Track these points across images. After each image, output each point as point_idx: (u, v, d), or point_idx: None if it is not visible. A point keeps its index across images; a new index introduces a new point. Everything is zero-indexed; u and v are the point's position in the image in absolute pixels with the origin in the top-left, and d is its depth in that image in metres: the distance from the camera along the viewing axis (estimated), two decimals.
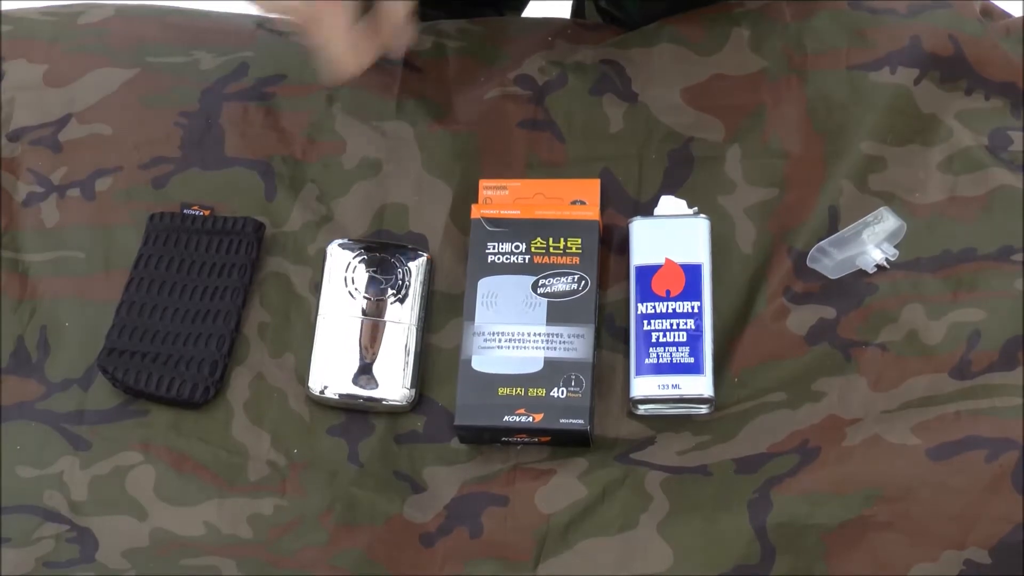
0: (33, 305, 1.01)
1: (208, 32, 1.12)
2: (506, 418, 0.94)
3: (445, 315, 1.00)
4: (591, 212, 1.00)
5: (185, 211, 1.02)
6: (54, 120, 1.07)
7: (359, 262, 0.99)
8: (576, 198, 1.01)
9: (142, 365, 0.97)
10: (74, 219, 1.04)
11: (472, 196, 1.03)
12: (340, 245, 1.01)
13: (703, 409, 0.95)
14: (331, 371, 0.97)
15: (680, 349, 0.95)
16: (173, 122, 1.07)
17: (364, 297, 0.98)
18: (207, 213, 1.02)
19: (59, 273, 1.02)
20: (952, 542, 0.88)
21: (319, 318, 0.99)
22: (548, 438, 0.95)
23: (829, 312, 0.97)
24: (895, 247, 0.98)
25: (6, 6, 1.15)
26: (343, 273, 0.99)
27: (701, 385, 0.94)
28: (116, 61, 1.09)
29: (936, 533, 0.89)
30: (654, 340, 0.95)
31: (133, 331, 0.99)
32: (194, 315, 0.99)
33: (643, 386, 0.95)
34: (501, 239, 0.99)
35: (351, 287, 0.99)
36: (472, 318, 0.97)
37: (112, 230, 1.04)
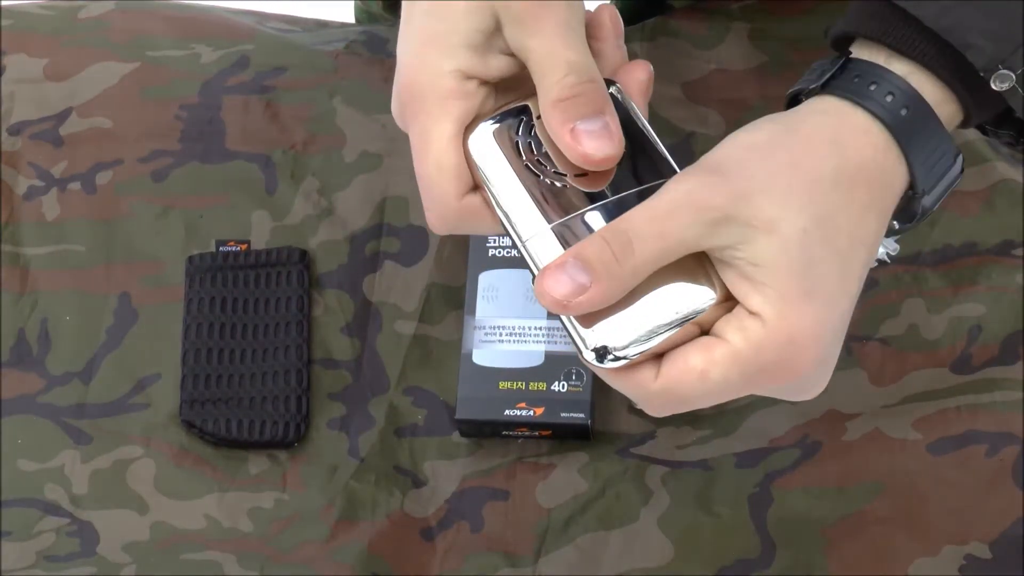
0: (34, 298, 1.01)
1: (208, 25, 1.12)
2: (507, 412, 0.94)
3: (445, 308, 1.00)
4: None
5: (221, 248, 1.02)
6: (55, 114, 1.07)
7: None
8: None
9: (227, 412, 0.97)
10: (75, 212, 1.04)
11: None
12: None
13: None
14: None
15: None
16: (173, 115, 1.07)
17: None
18: (244, 247, 1.02)
19: (60, 266, 1.02)
20: (953, 537, 0.89)
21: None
22: (549, 432, 0.95)
23: None
24: (896, 241, 0.98)
25: (6, 1, 1.15)
26: None
27: None
28: (116, 55, 1.09)
29: (937, 528, 0.89)
30: None
31: (207, 379, 0.98)
32: (263, 353, 0.99)
33: None
34: (502, 232, 0.99)
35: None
36: (473, 312, 0.97)
37: (112, 223, 1.04)
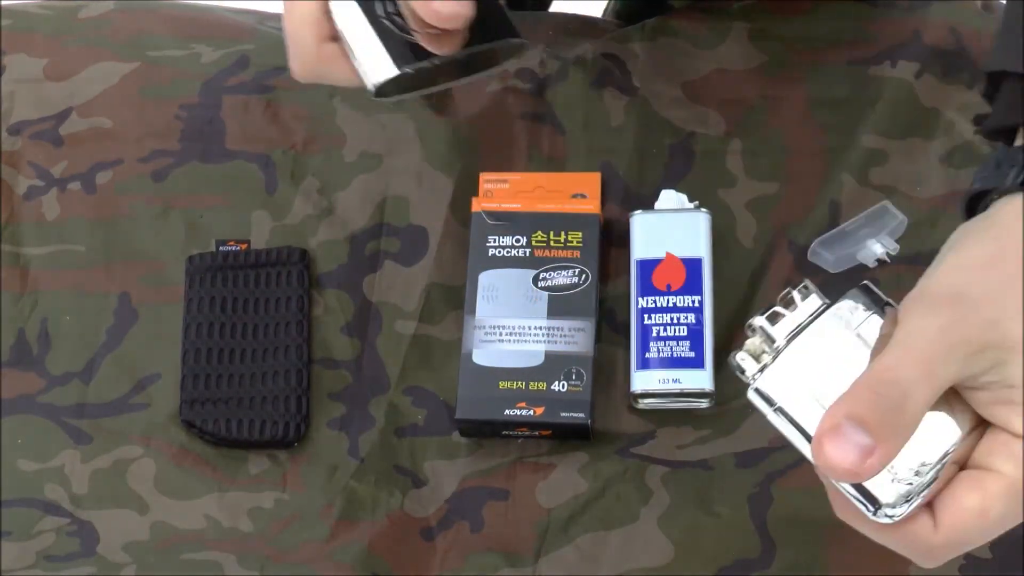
0: (34, 298, 1.01)
1: (208, 25, 1.12)
2: (507, 412, 0.94)
3: (445, 307, 1.00)
4: (592, 205, 1.00)
5: (221, 248, 1.02)
6: (55, 114, 1.07)
7: None
8: (577, 191, 1.01)
9: (227, 412, 0.97)
10: (75, 212, 1.04)
11: (472, 188, 1.03)
12: None
13: (704, 403, 0.95)
14: None
15: (681, 343, 0.95)
16: (173, 115, 1.07)
17: None
18: (244, 247, 1.02)
19: (60, 266, 1.02)
20: None
21: None
22: (549, 432, 0.95)
23: None
24: (896, 241, 0.98)
25: (6, 1, 1.15)
26: None
27: (702, 379, 0.94)
28: (116, 54, 1.09)
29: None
30: (655, 334, 0.95)
31: (207, 378, 0.98)
32: (263, 352, 0.98)
33: (644, 380, 0.95)
34: (502, 232, 0.99)
35: None
36: (473, 312, 0.97)
37: (112, 223, 1.04)
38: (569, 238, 0.98)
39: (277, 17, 1.14)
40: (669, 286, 0.96)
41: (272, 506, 0.95)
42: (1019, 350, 0.58)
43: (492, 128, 1.05)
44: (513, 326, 0.96)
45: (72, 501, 0.95)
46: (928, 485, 0.59)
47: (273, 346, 0.99)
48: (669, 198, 1.00)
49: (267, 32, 1.11)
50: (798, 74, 1.05)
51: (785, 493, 0.91)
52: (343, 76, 0.75)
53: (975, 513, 0.57)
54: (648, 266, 0.97)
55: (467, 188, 1.03)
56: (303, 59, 0.75)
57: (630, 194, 1.02)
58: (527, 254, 0.98)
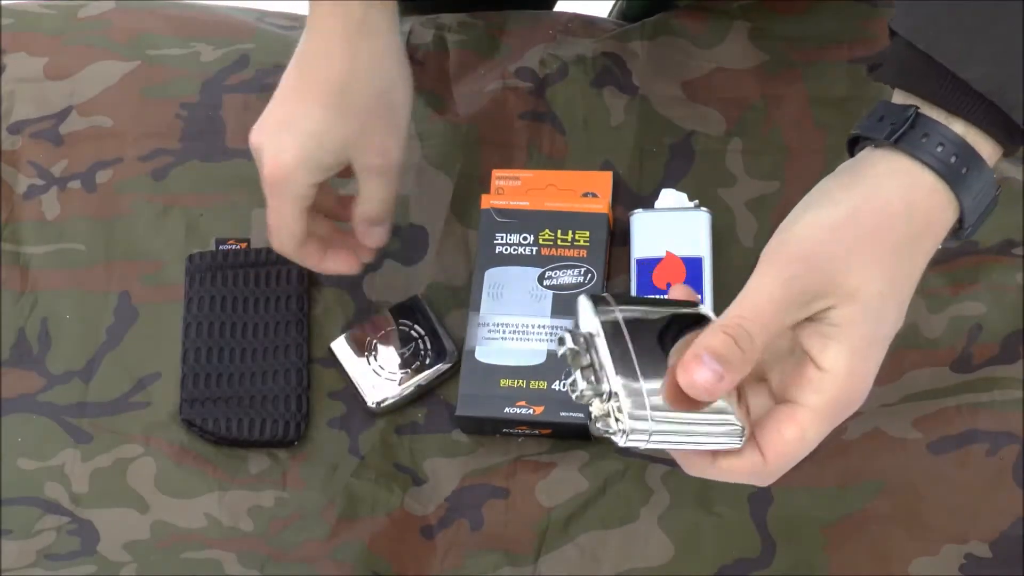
0: (34, 297, 1.01)
1: (208, 24, 1.12)
2: (507, 410, 0.94)
3: (445, 306, 1.00)
4: (601, 205, 1.00)
5: (221, 246, 1.02)
6: (55, 113, 1.07)
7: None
8: (588, 190, 1.01)
9: (227, 411, 0.97)
10: (75, 211, 1.04)
11: (472, 188, 1.03)
12: None
13: None
14: None
15: None
16: (174, 114, 1.07)
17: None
18: (244, 246, 1.02)
19: (60, 265, 1.02)
20: (953, 536, 0.89)
21: None
22: (549, 431, 0.95)
23: None
24: None
25: (6, 0, 1.15)
26: None
27: None
28: (117, 53, 1.09)
29: (937, 527, 0.89)
30: None
31: (207, 377, 0.98)
32: (263, 352, 0.99)
33: None
34: (510, 230, 0.99)
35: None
36: (477, 309, 0.97)
37: (113, 222, 1.04)
38: (577, 237, 0.98)
39: (277, 15, 1.15)
40: (669, 285, 0.96)
41: (272, 505, 0.95)
42: (850, 297, 0.66)
43: (492, 127, 1.06)
44: (517, 324, 0.96)
45: (72, 500, 0.95)
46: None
47: (273, 345, 0.99)
48: (669, 197, 0.99)
49: (267, 30, 1.11)
50: (798, 73, 1.05)
51: (785, 493, 0.91)
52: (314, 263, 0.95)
53: (795, 442, 0.67)
54: (648, 265, 0.97)
55: (467, 187, 1.03)
56: (289, 255, 0.94)
57: (630, 193, 1.02)
58: (534, 252, 0.98)
